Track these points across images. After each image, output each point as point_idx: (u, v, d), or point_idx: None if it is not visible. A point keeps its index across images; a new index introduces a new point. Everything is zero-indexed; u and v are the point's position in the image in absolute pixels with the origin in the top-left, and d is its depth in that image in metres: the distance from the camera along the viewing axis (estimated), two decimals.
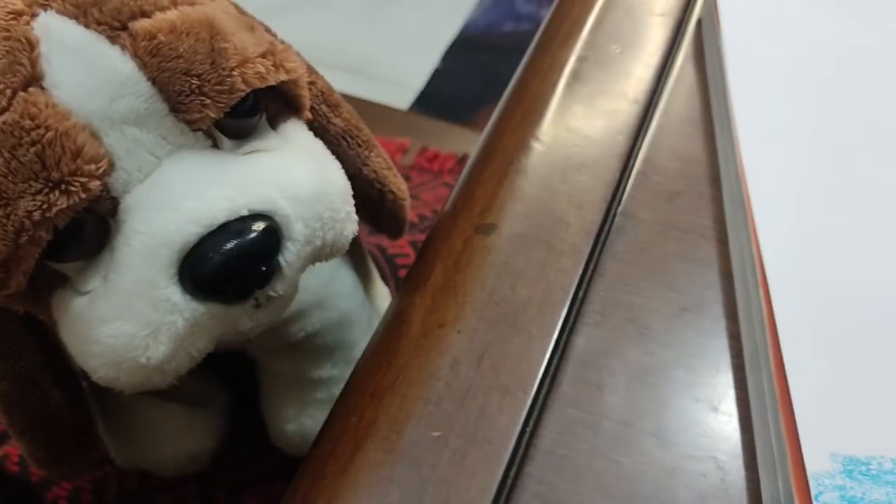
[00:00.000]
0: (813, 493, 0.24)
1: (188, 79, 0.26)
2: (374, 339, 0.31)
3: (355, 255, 0.42)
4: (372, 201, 0.39)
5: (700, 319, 0.30)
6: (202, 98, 0.26)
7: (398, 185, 0.39)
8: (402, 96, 1.10)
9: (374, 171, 0.38)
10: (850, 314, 0.28)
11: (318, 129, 0.36)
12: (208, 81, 0.26)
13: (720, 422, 0.28)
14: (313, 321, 0.39)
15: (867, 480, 0.24)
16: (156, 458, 0.43)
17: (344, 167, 0.37)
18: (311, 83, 0.36)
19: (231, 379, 0.45)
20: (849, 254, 0.29)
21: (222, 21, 0.27)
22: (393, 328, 0.31)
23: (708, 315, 0.30)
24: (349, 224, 0.30)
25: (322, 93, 0.36)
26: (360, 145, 0.37)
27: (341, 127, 0.36)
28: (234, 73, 0.27)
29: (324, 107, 0.36)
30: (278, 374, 0.42)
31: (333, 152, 0.37)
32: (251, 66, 0.27)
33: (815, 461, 0.24)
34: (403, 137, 0.79)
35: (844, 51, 0.36)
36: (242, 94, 0.27)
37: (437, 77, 1.12)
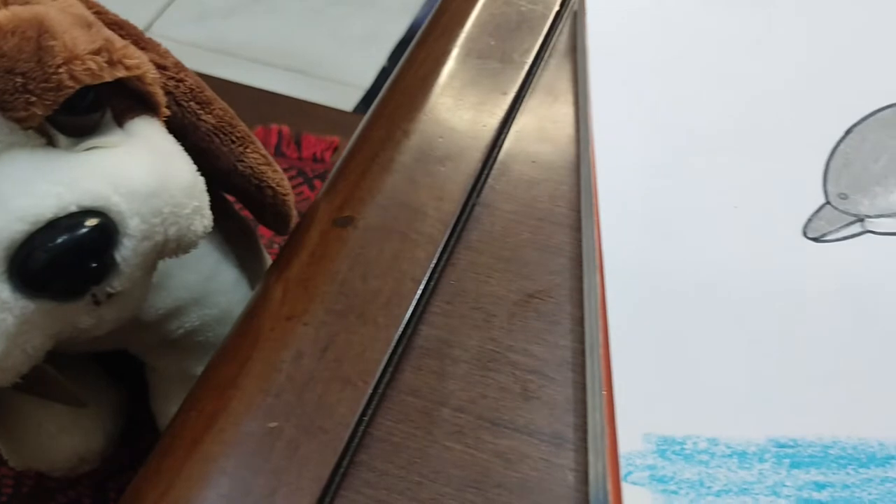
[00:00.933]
0: (622, 473, 0.24)
1: (12, 77, 0.26)
2: (228, 334, 0.31)
3: (244, 250, 0.42)
4: (252, 197, 0.39)
5: (546, 306, 0.30)
6: (27, 96, 0.26)
7: (278, 180, 0.39)
8: (349, 96, 1.10)
9: (251, 168, 0.38)
10: (680, 302, 0.28)
11: (189, 125, 0.36)
12: (33, 79, 0.26)
13: (556, 405, 0.28)
14: (192, 318, 0.39)
15: (680, 460, 0.24)
16: (46, 458, 0.43)
17: (218, 164, 0.37)
18: (179, 81, 0.36)
19: (123, 377, 0.45)
20: (685, 245, 0.30)
21: (54, 20, 0.28)
22: (244, 322, 0.31)
23: (554, 301, 0.30)
24: (197, 219, 0.30)
25: (191, 90, 0.36)
26: (234, 142, 0.37)
27: (213, 124, 0.37)
28: (61, 70, 0.27)
29: (193, 104, 0.36)
30: (162, 372, 0.42)
31: (206, 149, 0.37)
32: (80, 62, 0.27)
33: (630, 442, 0.25)
34: (335, 136, 0.79)
35: (707, 43, 0.36)
36: (71, 90, 0.27)
37: (385, 76, 1.12)
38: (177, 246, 0.30)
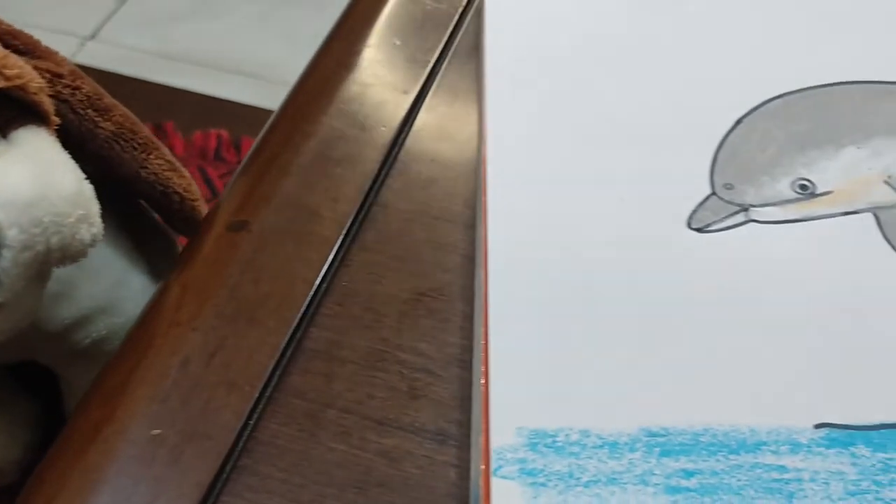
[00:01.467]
0: (493, 468, 0.24)
1: None
2: (123, 342, 0.31)
3: (160, 256, 0.42)
4: (158, 203, 0.39)
5: (437, 304, 0.30)
6: None
7: (185, 185, 0.39)
8: None
9: (155, 174, 0.38)
10: (561, 295, 0.28)
11: (87, 133, 0.36)
12: None
13: (442, 403, 0.28)
14: (99, 327, 0.39)
15: (551, 452, 0.25)
16: None
17: (121, 171, 0.37)
18: (75, 88, 0.36)
19: (39, 388, 0.45)
20: (570, 239, 0.30)
21: None
22: (135, 329, 0.31)
23: (445, 299, 0.30)
24: (83, 228, 0.30)
25: (88, 97, 0.36)
26: (135, 148, 0.37)
27: (112, 131, 0.36)
28: None
29: (90, 111, 0.36)
30: (73, 382, 0.41)
31: (106, 156, 0.37)
32: None
33: (502, 436, 0.25)
34: None
35: (602, 40, 0.37)
36: None
37: None
38: (62, 255, 0.29)
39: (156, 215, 0.41)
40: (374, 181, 0.34)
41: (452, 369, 0.29)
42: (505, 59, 0.36)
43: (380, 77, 0.38)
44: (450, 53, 0.39)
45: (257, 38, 1.21)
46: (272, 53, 1.16)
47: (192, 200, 0.39)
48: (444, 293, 0.31)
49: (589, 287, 0.28)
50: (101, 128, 0.36)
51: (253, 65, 1.15)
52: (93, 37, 1.21)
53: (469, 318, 0.30)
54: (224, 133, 0.80)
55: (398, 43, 0.39)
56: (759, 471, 0.24)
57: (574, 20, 0.37)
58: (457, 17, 0.40)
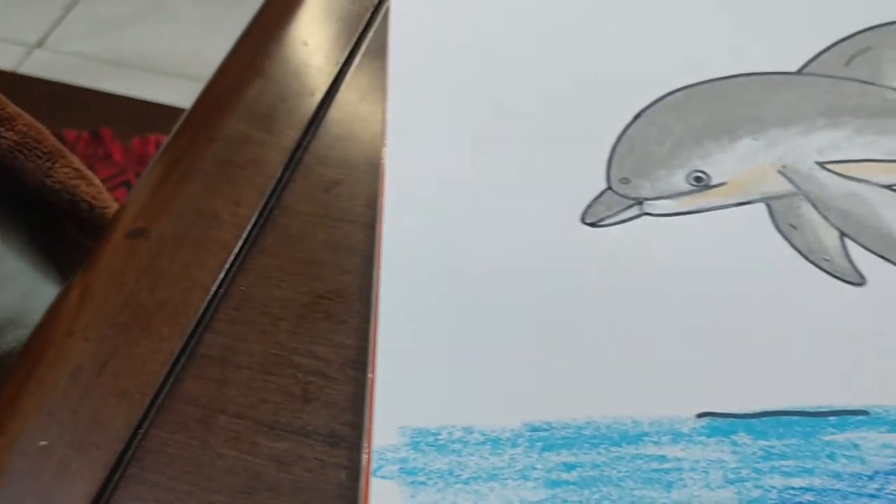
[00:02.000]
0: (373, 468, 0.24)
1: None
2: (19, 353, 0.31)
3: (71, 267, 0.42)
4: (68, 212, 0.38)
5: (335, 306, 0.30)
6: None
7: (94, 193, 0.39)
8: None
9: (61, 182, 0.37)
10: (453, 294, 0.28)
11: None
12: None
13: (335, 405, 0.28)
14: (8, 339, 0.38)
15: (432, 451, 0.25)
16: None
17: (25, 180, 0.37)
18: None
19: None
20: (465, 237, 0.30)
21: None
22: (30, 340, 0.31)
23: (344, 301, 0.30)
24: None
25: None
26: (39, 157, 0.37)
27: (15, 140, 0.36)
28: None
29: None
30: None
31: (10, 166, 0.36)
32: None
33: (385, 436, 0.25)
34: None
35: (504, 39, 0.37)
36: None
37: None
38: None
39: (66, 224, 0.41)
40: (277, 184, 0.34)
41: (348, 371, 0.29)
42: (409, 60, 0.36)
43: (287, 78, 0.38)
44: (359, 54, 0.39)
45: (206, 42, 1.20)
46: (220, 57, 1.16)
47: (103, 208, 0.39)
48: (342, 295, 0.31)
49: (480, 285, 0.28)
50: (4, 137, 0.36)
51: (202, 69, 1.14)
52: (40, 45, 1.20)
53: (367, 319, 0.30)
54: (163, 139, 0.80)
55: (307, 44, 0.39)
56: (639, 461, 0.25)
57: (477, 20, 0.37)
58: (367, 18, 0.40)
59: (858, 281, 0.29)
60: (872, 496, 0.24)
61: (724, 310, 0.28)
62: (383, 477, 0.24)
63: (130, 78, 1.12)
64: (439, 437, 0.25)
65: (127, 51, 1.18)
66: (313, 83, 0.37)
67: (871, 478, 0.24)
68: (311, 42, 0.39)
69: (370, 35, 0.39)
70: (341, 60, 0.38)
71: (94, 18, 1.25)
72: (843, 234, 0.30)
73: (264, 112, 0.36)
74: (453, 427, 0.25)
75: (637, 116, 0.34)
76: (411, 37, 0.36)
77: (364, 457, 0.25)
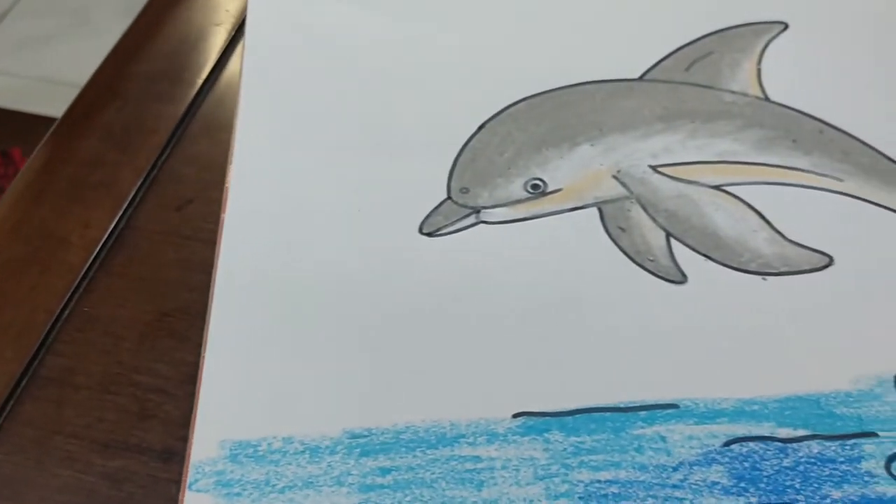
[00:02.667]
0: (189, 481, 0.25)
1: None
2: None
3: None
4: None
5: (179, 324, 0.31)
6: None
7: None
8: None
9: None
10: (287, 307, 0.29)
11: None
12: None
13: (172, 422, 0.28)
14: None
15: (251, 462, 0.25)
16: None
17: None
18: None
19: None
20: (303, 252, 0.31)
21: None
22: None
23: (188, 318, 0.31)
24: None
25: None
26: None
27: None
28: None
29: None
30: None
31: None
32: None
33: (205, 450, 0.25)
34: None
35: (356, 53, 0.37)
36: None
37: None
38: None
39: None
40: (129, 204, 0.34)
41: (187, 387, 0.29)
42: (261, 83, 0.36)
43: (146, 100, 0.38)
44: (217, 77, 0.39)
45: None
46: None
47: None
48: (187, 312, 0.31)
49: (312, 298, 0.29)
50: None
51: None
52: None
53: None
54: None
55: (166, 65, 0.40)
56: (454, 463, 0.25)
57: (325, 43, 0.38)
58: (225, 44, 0.41)
59: (680, 280, 0.30)
60: (675, 486, 0.25)
61: (547, 312, 0.29)
62: (198, 490, 0.24)
63: (51, 96, 1.11)
64: (259, 448, 0.25)
65: (53, 67, 1.17)
66: (171, 103, 0.38)
67: (675, 469, 0.26)
68: (170, 65, 0.40)
69: (229, 59, 0.40)
70: (199, 82, 0.39)
71: (15, 35, 1.23)
72: (669, 235, 0.31)
73: (120, 133, 0.37)
74: (273, 438, 0.26)
75: (481, 127, 0.35)
76: (264, 61, 0.37)
77: (185, 471, 0.26)
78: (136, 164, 0.35)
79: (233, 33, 0.40)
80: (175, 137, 0.37)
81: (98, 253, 0.33)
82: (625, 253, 0.31)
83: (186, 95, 0.38)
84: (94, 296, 0.32)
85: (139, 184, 0.35)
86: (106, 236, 0.33)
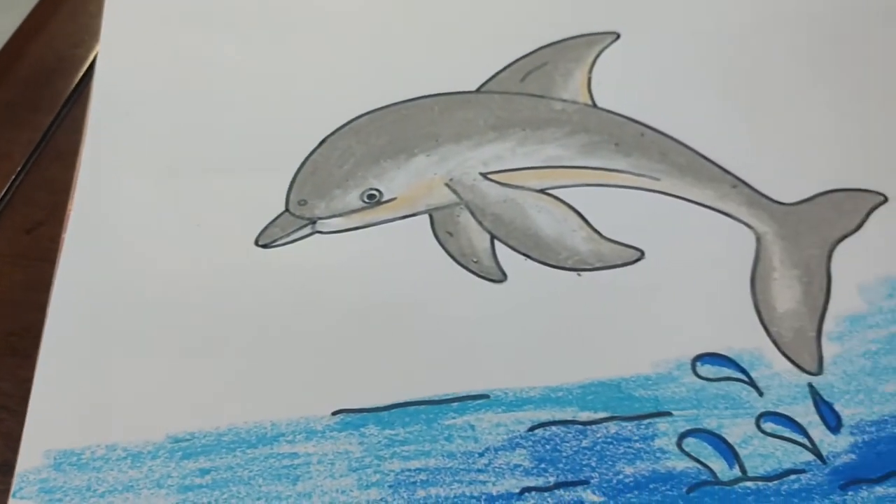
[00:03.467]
0: (14, 490, 0.26)
1: None
2: None
3: None
4: None
5: (22, 342, 0.32)
6: None
7: None
8: None
9: None
10: (120, 321, 0.30)
11: None
12: None
13: (11, 437, 0.29)
14: None
15: (74, 470, 0.26)
16: None
17: None
18: None
19: None
20: (141, 268, 0.32)
21: None
22: None
23: (32, 337, 0.31)
24: None
25: None
26: None
27: None
28: None
29: None
30: None
31: None
32: None
33: (30, 460, 0.27)
34: None
35: (199, 76, 0.39)
36: None
37: None
38: None
39: None
40: None
41: (28, 404, 0.30)
42: (109, 105, 0.37)
43: (1, 125, 0.39)
44: (71, 102, 0.40)
45: None
46: None
47: None
48: (31, 331, 0.32)
49: (152, 310, 0.30)
50: None
51: None
52: None
53: None
54: None
55: (25, 93, 0.41)
56: (272, 460, 0.27)
57: (171, 65, 0.39)
58: (86, 67, 0.42)
59: (500, 278, 0.32)
60: (480, 471, 0.27)
61: (371, 315, 0.31)
62: (22, 497, 0.26)
63: None
64: (82, 456, 0.27)
65: None
66: (26, 131, 0.39)
67: (481, 455, 0.27)
68: (29, 92, 0.41)
69: (86, 87, 0.41)
70: (56, 109, 0.40)
71: None
72: (493, 237, 0.33)
73: None
74: (97, 446, 0.27)
75: (323, 141, 0.36)
76: (111, 88, 0.38)
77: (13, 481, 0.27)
78: None
79: (91, 59, 0.42)
80: (29, 163, 0.38)
81: None
82: (451, 256, 0.33)
83: (43, 122, 0.39)
84: None
85: None
86: None
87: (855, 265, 0.32)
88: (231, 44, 0.39)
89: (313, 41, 0.40)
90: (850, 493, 0.27)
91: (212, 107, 0.37)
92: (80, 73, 0.41)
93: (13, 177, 0.37)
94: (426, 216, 0.34)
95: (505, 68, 0.39)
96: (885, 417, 0.28)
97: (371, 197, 0.34)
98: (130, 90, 0.38)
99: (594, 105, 0.38)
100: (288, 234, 0.33)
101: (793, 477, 0.27)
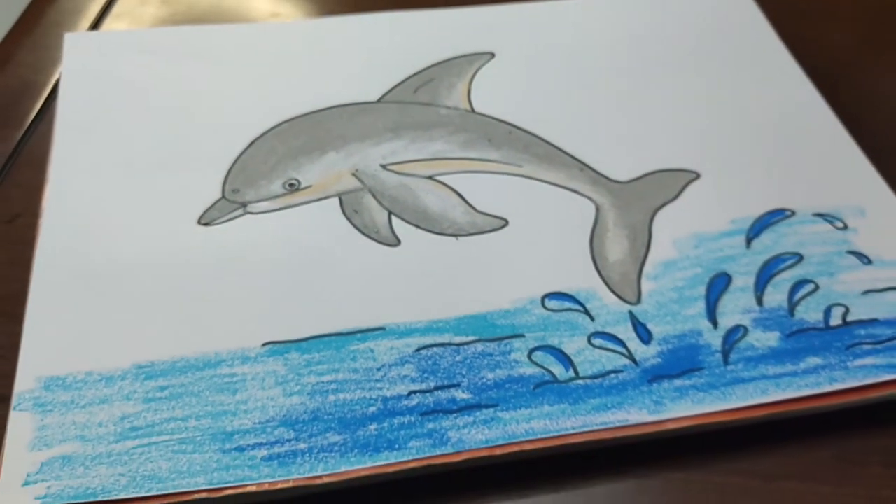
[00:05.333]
0: (13, 405, 0.33)
1: None
2: None
3: None
4: None
5: (7, 306, 0.39)
6: None
7: None
8: None
9: None
10: (96, 282, 0.38)
11: None
12: None
13: (3, 376, 0.37)
14: None
15: (60, 389, 0.34)
16: None
17: None
18: None
19: None
20: (113, 241, 0.40)
21: None
22: None
23: (15, 301, 0.39)
24: None
25: None
26: None
27: None
28: None
29: None
30: None
31: None
32: None
33: (25, 383, 0.34)
34: None
35: (150, 93, 0.47)
36: None
37: None
38: None
39: None
40: None
41: (14, 351, 0.37)
42: (71, 115, 0.45)
43: None
44: (42, 117, 0.48)
45: None
46: None
47: None
48: (15, 297, 0.39)
49: (114, 275, 0.38)
50: None
51: None
52: None
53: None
54: None
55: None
56: (216, 379, 0.35)
57: (124, 82, 0.47)
58: (50, 87, 0.49)
59: (396, 244, 0.41)
60: (377, 381, 0.35)
61: (295, 271, 0.39)
62: (21, 410, 0.33)
63: None
64: (66, 380, 0.34)
65: None
66: (2, 143, 0.46)
67: (378, 369, 0.36)
68: (1, 107, 0.48)
69: (50, 105, 0.49)
70: (26, 123, 0.47)
71: None
72: (391, 214, 0.42)
73: None
74: (77, 372, 0.34)
75: (251, 143, 0.45)
76: (74, 103, 0.46)
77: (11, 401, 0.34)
78: None
79: (55, 85, 0.49)
80: (5, 169, 0.45)
81: None
82: (357, 229, 0.41)
83: (15, 135, 0.47)
84: None
85: None
86: None
87: (672, 225, 0.42)
88: (173, 69, 0.48)
89: (243, 66, 0.48)
90: (654, 385, 0.36)
91: (158, 119, 0.45)
92: (45, 95, 0.49)
93: None
94: (336, 199, 0.42)
95: (401, 83, 0.48)
96: (685, 332, 0.38)
97: (291, 185, 0.43)
98: (90, 107, 0.46)
99: (472, 110, 0.47)
100: (224, 215, 0.41)
101: (613, 376, 0.36)
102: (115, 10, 0.56)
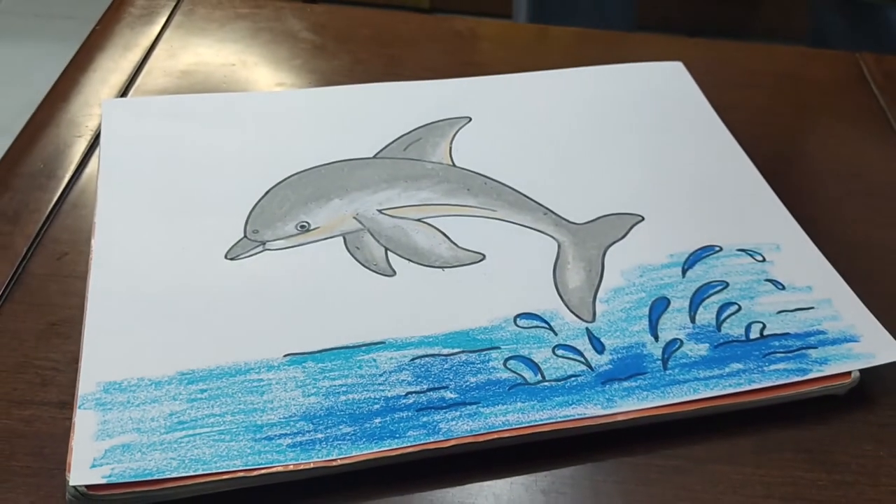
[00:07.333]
0: (78, 405, 0.40)
1: None
2: None
3: None
4: None
5: (63, 328, 0.46)
6: None
7: None
8: None
9: None
10: (153, 303, 0.45)
11: None
12: None
13: (63, 386, 0.43)
14: None
15: (117, 392, 0.41)
16: None
17: None
18: None
19: None
20: (165, 268, 0.47)
21: None
22: None
23: (70, 324, 0.46)
24: None
25: None
26: None
27: None
28: None
29: None
30: None
31: None
32: None
33: (87, 387, 0.41)
34: None
35: (184, 152, 0.55)
36: None
37: None
38: None
39: None
40: (23, 259, 0.49)
41: (72, 366, 0.44)
42: (111, 170, 0.53)
43: (29, 189, 0.54)
44: (82, 172, 0.55)
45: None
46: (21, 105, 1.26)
47: None
48: (68, 321, 0.46)
49: (162, 297, 0.45)
50: None
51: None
52: None
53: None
54: None
55: (44, 166, 0.56)
56: (246, 384, 0.42)
57: (157, 140, 0.55)
58: (88, 146, 0.57)
59: (391, 274, 0.48)
60: (379, 383, 0.43)
61: (308, 298, 0.46)
62: (85, 409, 0.40)
63: None
64: (122, 384, 0.41)
65: None
66: (48, 193, 0.54)
67: (380, 375, 0.43)
68: (46, 166, 0.56)
69: (89, 160, 0.56)
70: (67, 177, 0.55)
71: None
72: (387, 250, 0.50)
73: (12, 214, 0.52)
74: (131, 378, 0.41)
75: (267, 192, 0.53)
76: (113, 160, 0.54)
77: (76, 402, 0.41)
78: (26, 233, 0.51)
79: (91, 142, 0.57)
80: (52, 215, 0.52)
81: (3, 291, 0.47)
82: (359, 262, 0.49)
83: (58, 187, 0.54)
84: (3, 317, 0.46)
85: (28, 245, 0.50)
86: (8, 280, 0.48)
87: (620, 258, 0.50)
88: (197, 129, 0.56)
89: (260, 128, 0.57)
90: (607, 386, 0.43)
91: (187, 172, 0.53)
92: (84, 151, 0.56)
93: (41, 225, 0.51)
94: (341, 238, 0.50)
95: (393, 142, 0.57)
96: (631, 344, 0.46)
97: (302, 227, 0.51)
98: (127, 163, 0.53)
99: (454, 165, 0.56)
100: (247, 252, 0.49)
101: (573, 379, 0.44)
102: (139, 81, 0.65)
